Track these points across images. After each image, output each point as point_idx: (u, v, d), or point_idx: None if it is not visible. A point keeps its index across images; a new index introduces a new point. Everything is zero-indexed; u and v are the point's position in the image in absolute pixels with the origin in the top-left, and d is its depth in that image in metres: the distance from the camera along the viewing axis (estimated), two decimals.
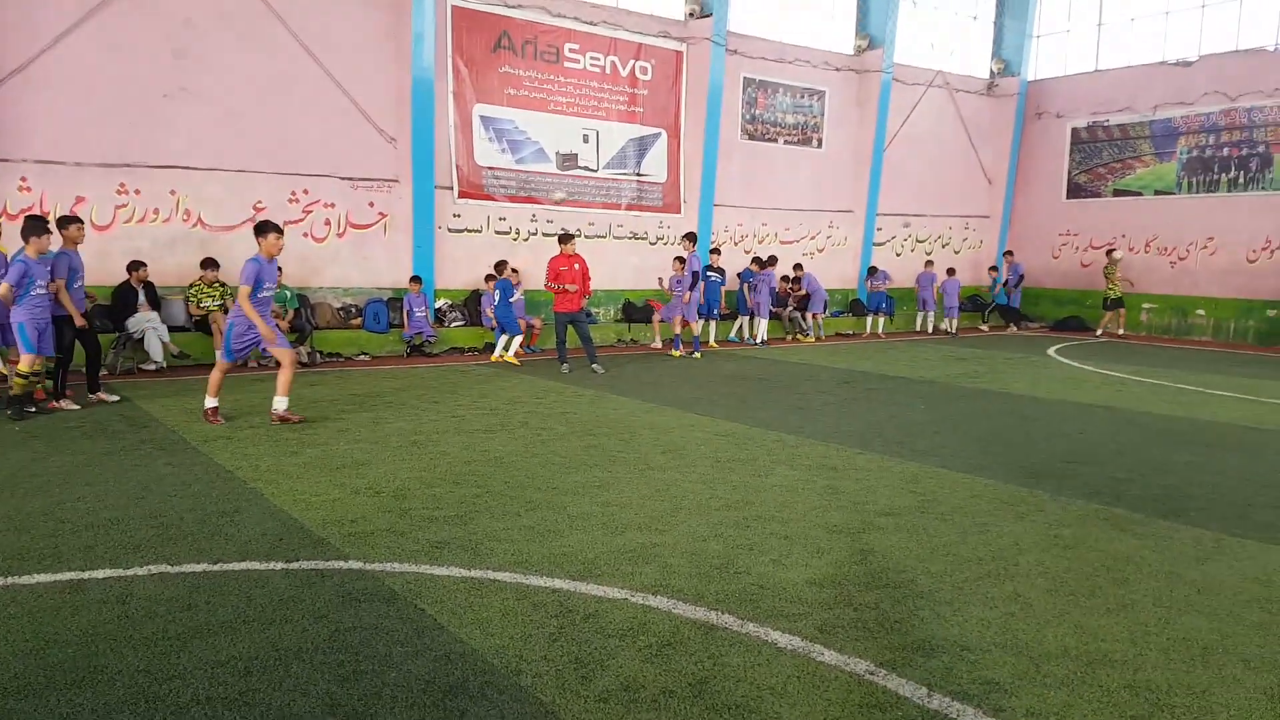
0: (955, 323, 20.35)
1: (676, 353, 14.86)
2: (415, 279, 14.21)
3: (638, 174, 17.15)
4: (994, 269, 22.09)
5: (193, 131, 12.90)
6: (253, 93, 13.28)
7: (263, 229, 8.37)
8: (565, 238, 12.58)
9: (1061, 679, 3.52)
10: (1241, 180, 18.99)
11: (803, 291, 18.39)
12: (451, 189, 15.15)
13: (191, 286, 12.59)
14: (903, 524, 5.55)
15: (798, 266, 18.74)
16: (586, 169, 16.53)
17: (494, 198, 15.60)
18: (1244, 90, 18.68)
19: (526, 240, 16.00)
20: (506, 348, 13.61)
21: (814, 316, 18.40)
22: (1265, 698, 3.38)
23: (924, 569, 4.75)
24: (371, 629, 3.86)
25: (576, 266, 12.41)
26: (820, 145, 19.80)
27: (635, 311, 17.10)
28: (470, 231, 15.45)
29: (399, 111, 14.45)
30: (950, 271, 20.79)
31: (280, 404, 8.45)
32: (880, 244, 21.01)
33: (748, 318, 17.56)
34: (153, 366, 11.72)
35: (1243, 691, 3.43)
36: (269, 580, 4.41)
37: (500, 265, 13.99)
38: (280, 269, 8.57)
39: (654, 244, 17.41)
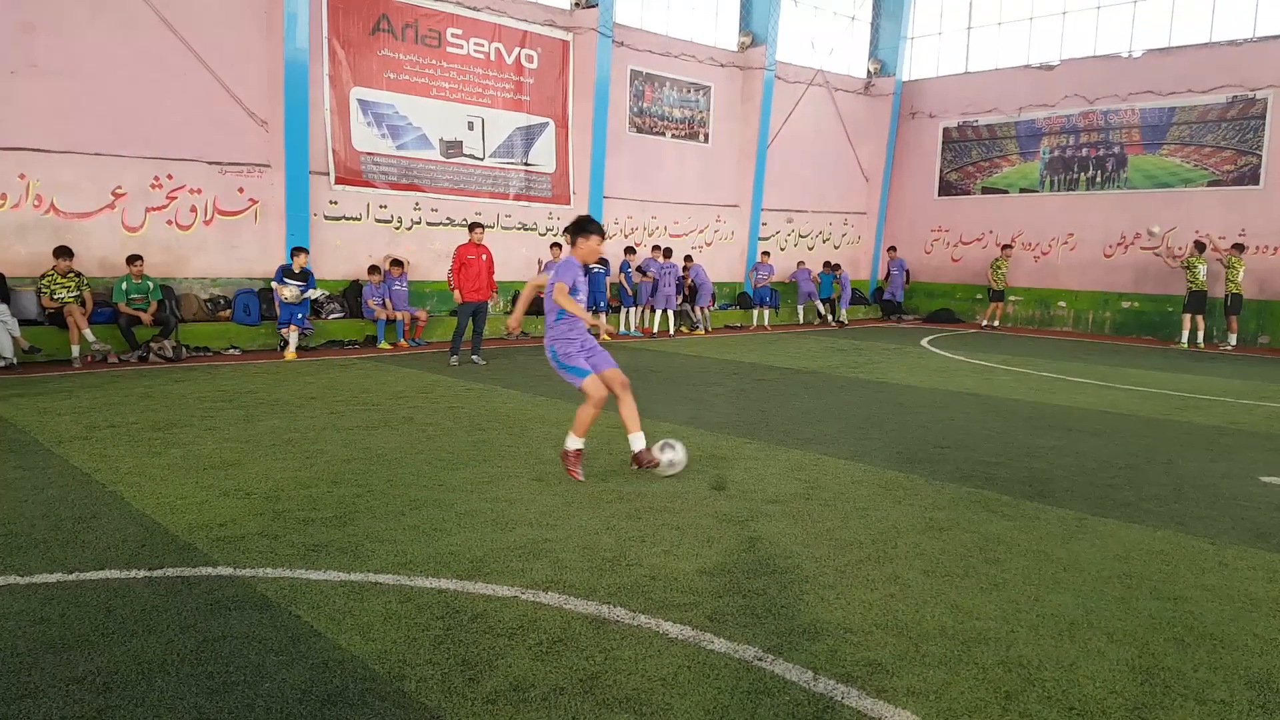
0: (845, 313, 21.27)
1: None
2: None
3: (526, 164, 16.95)
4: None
5: (45, 111, 11.99)
6: (111, 71, 12.44)
7: (584, 229, 6.39)
8: (474, 225, 12.44)
9: (940, 658, 3.64)
10: (1099, 179, 20.22)
11: (689, 281, 18.67)
12: (328, 175, 14.61)
13: (44, 277, 11.71)
14: (788, 510, 5.65)
15: (688, 258, 18.98)
16: (472, 157, 16.21)
17: (374, 184, 15.12)
18: (1101, 94, 19.88)
19: (410, 229, 15.58)
20: (285, 343, 12.90)
21: (702, 309, 18.67)
22: (1128, 669, 3.58)
23: (809, 554, 4.84)
24: (243, 638, 3.65)
25: (484, 257, 12.30)
26: (707, 140, 20.03)
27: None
28: (349, 219, 14.92)
29: (271, 94, 13.82)
30: (833, 266, 21.51)
31: (637, 441, 6.46)
32: (765, 238, 21.43)
33: (634, 309, 17.65)
34: (1, 363, 10.86)
35: (1106, 664, 3.62)
36: (130, 589, 4.12)
37: (296, 251, 13.13)
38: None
39: (544, 235, 17.24)
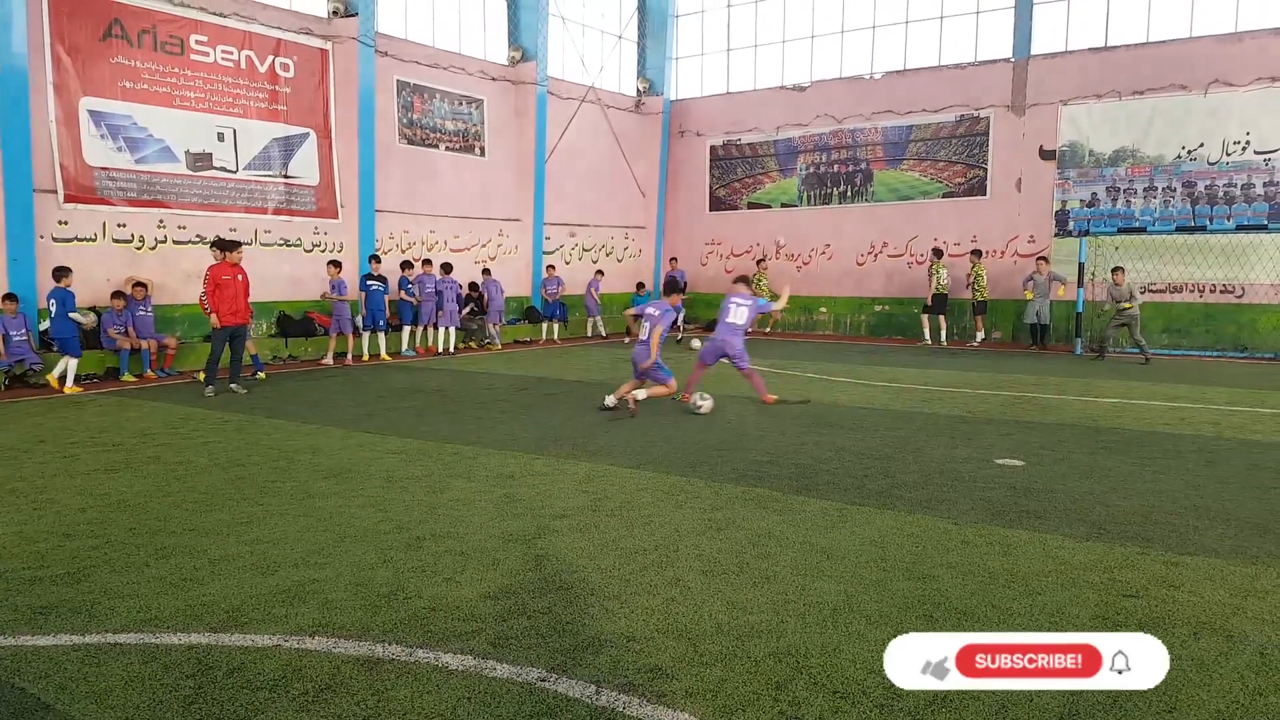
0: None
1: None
2: (9, 297, 12.04)
3: (285, 176, 15.99)
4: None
5: None
6: None
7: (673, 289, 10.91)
8: (229, 245, 11.68)
9: (716, 655, 3.73)
10: (850, 194, 21.89)
11: (474, 294, 18.46)
12: (55, 193, 13.09)
13: None
14: (576, 524, 5.63)
15: (486, 271, 18.76)
16: (224, 169, 15.09)
17: (110, 201, 13.71)
18: (848, 113, 21.56)
19: (154, 249, 14.25)
20: (63, 377, 11.93)
21: (494, 325, 18.50)
22: (884, 648, 3.78)
23: (595, 566, 4.84)
24: None
25: (240, 278, 11.49)
26: (483, 153, 19.82)
27: (292, 325, 15.93)
28: (82, 241, 13.44)
29: None
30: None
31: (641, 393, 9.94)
32: (550, 252, 21.49)
33: (419, 327, 17.12)
34: None
35: (866, 645, 3.85)
36: None
37: (60, 272, 12.28)
38: None
39: (309, 251, 16.34)
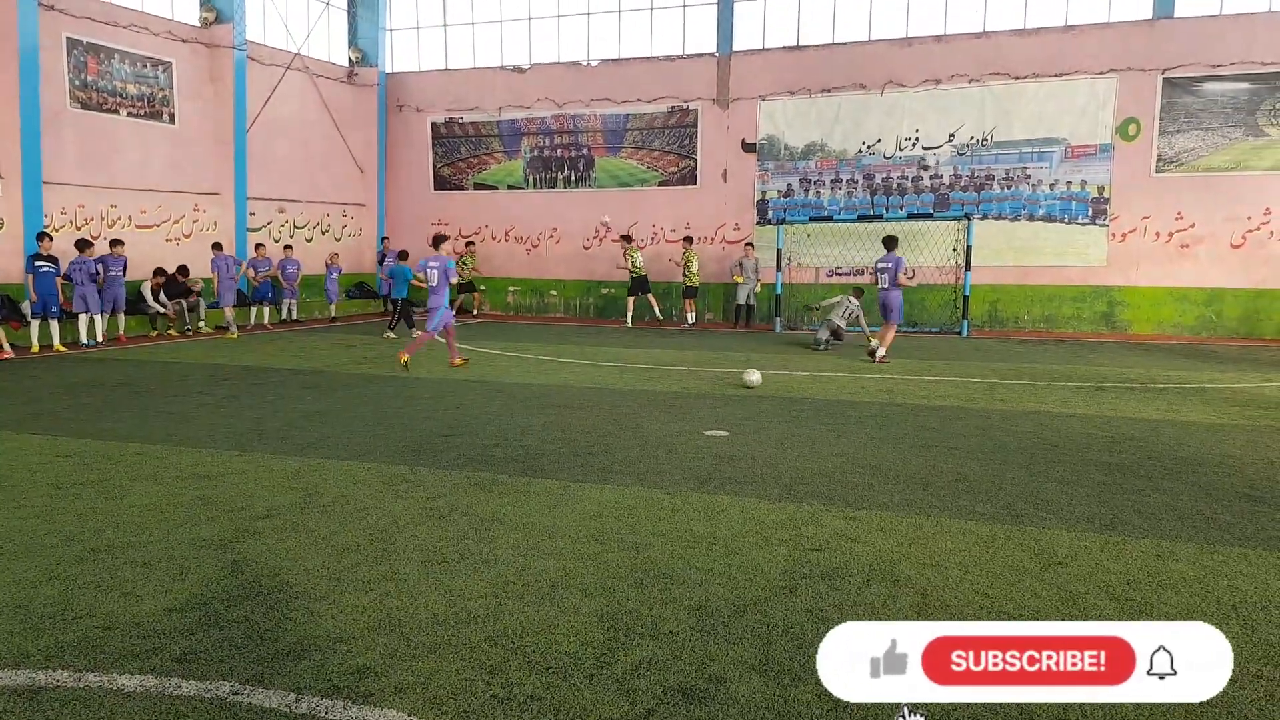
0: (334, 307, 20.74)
1: None
2: None
3: None
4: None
5: None
6: None
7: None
8: None
9: (430, 647, 3.65)
10: (573, 178, 22.23)
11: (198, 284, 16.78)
12: None
13: None
14: (281, 524, 5.28)
15: (217, 246, 17.12)
16: None
17: None
18: (568, 98, 21.83)
19: None
20: None
21: (228, 308, 16.95)
22: (597, 619, 3.93)
23: (300, 567, 4.56)
24: None
25: None
26: (173, 120, 17.92)
27: None
28: None
29: None
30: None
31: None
32: (256, 229, 19.89)
33: (93, 315, 15.14)
34: None
35: (580, 618, 3.94)
36: None
37: None
38: None
39: None
